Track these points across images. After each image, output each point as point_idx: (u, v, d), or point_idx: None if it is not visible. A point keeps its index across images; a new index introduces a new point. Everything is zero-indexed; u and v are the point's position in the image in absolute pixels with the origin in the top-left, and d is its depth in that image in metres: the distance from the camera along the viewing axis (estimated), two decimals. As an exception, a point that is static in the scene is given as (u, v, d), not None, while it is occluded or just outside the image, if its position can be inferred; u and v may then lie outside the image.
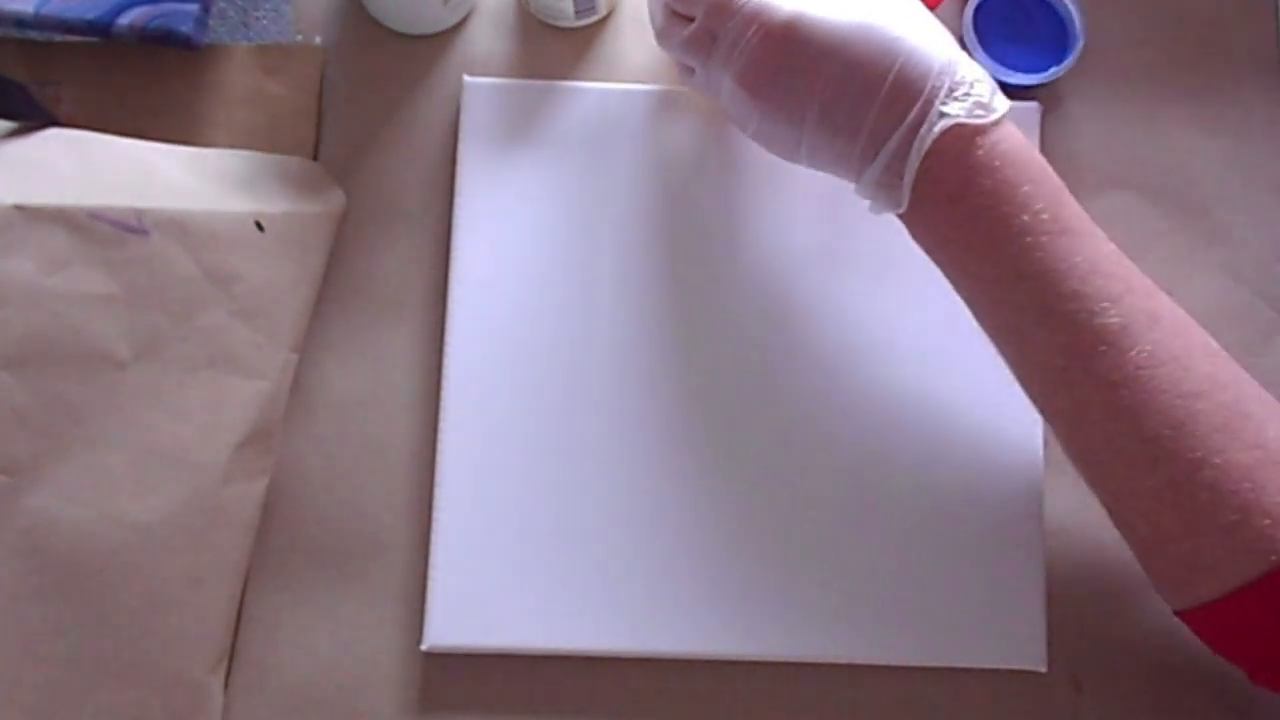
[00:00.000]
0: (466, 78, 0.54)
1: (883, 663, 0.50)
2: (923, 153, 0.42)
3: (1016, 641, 0.50)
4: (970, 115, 0.41)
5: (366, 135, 0.55)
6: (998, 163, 0.42)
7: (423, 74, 0.56)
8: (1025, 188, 0.42)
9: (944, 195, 0.42)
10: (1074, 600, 0.51)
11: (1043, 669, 0.50)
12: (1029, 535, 0.51)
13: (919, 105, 0.41)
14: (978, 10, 0.54)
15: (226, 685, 0.50)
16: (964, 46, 0.54)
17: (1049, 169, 0.43)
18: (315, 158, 0.55)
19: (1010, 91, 0.55)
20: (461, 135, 0.54)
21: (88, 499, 0.45)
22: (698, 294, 0.53)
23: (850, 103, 0.42)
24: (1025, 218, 0.42)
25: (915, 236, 0.45)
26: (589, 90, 0.54)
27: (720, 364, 0.52)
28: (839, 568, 0.50)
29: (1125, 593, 0.51)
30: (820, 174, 0.55)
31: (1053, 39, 0.55)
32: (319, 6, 0.56)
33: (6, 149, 0.47)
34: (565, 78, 0.55)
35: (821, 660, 0.50)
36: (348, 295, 0.53)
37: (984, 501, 0.51)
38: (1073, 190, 0.56)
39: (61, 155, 0.48)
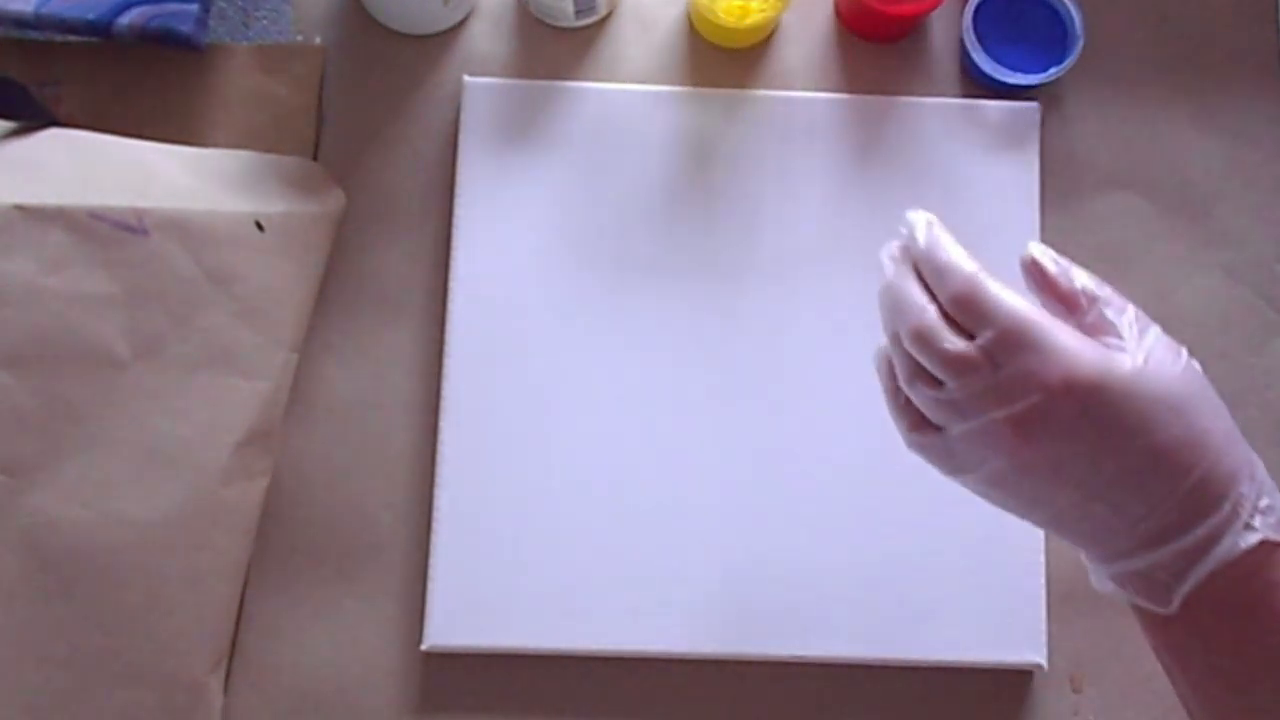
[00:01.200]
0: (466, 78, 0.54)
1: (884, 661, 0.50)
2: (1218, 562, 0.38)
3: (1016, 640, 0.50)
4: (1278, 532, 0.38)
5: (366, 135, 0.55)
6: None
7: (423, 74, 0.56)
8: None
9: (1227, 608, 0.38)
10: (1074, 600, 0.51)
11: (1043, 666, 0.50)
12: (1029, 535, 0.51)
13: (1224, 511, 0.37)
14: (978, 10, 0.54)
15: (226, 685, 0.50)
16: (964, 46, 0.54)
17: None
18: (315, 158, 0.55)
19: (1010, 91, 0.55)
20: (461, 135, 0.54)
21: (88, 499, 0.45)
22: (698, 293, 0.53)
23: (1142, 487, 0.38)
24: None
25: (1155, 634, 0.40)
26: (589, 90, 0.54)
27: (721, 363, 0.52)
28: (839, 567, 0.50)
29: (1125, 593, 0.51)
30: (822, 174, 0.55)
31: (1053, 39, 0.55)
32: (319, 6, 0.56)
33: (6, 149, 0.47)
34: (565, 78, 0.55)
35: (822, 659, 0.50)
36: (348, 295, 0.53)
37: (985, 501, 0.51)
38: (1072, 190, 0.56)
39: (61, 155, 0.48)
